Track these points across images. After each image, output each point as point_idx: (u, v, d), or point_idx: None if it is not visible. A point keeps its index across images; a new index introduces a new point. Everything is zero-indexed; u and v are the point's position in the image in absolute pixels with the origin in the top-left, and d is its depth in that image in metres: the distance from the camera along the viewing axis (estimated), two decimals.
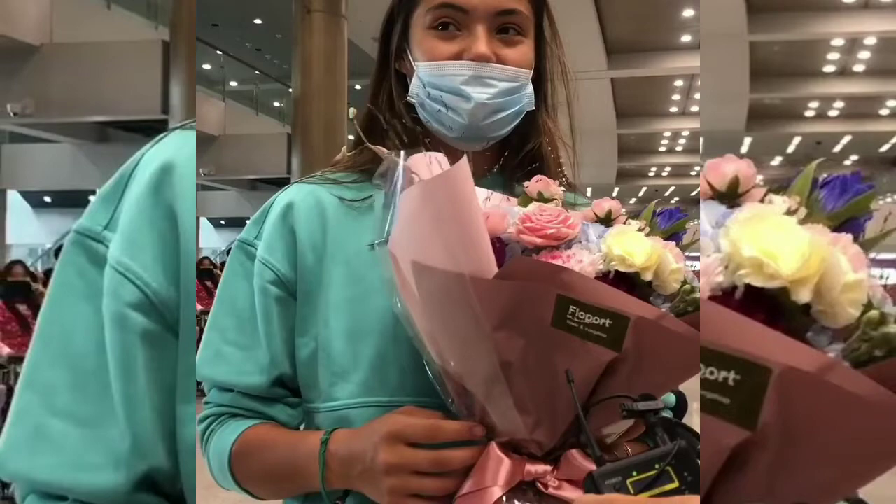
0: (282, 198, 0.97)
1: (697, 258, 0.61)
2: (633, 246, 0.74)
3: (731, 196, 0.62)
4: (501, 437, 0.78)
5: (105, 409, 0.65)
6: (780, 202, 0.59)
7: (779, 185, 0.62)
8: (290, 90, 9.66)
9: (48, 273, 7.16)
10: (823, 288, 0.53)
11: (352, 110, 1.00)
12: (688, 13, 13.55)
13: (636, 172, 25.68)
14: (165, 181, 0.68)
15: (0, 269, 7.34)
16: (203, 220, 19.50)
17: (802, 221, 0.57)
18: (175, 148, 0.70)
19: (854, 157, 22.92)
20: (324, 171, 1.01)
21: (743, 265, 0.54)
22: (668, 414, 0.63)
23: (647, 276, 0.73)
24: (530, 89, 0.95)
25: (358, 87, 10.66)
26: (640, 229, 0.77)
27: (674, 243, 0.76)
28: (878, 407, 0.46)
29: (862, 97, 17.92)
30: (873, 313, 0.53)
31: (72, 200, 16.08)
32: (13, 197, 15.85)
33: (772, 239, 0.54)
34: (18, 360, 5.33)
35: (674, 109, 19.38)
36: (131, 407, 0.65)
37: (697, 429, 0.55)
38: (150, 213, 0.67)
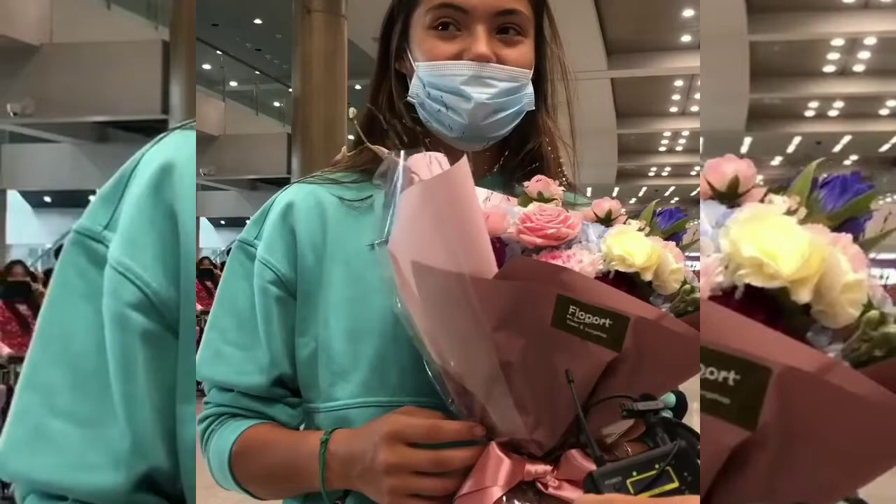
0: (282, 198, 0.97)
1: (697, 258, 0.61)
2: (633, 246, 0.74)
3: (731, 196, 0.62)
4: (501, 437, 0.78)
5: (105, 409, 0.65)
6: (780, 202, 0.59)
7: (779, 185, 0.62)
8: (290, 90, 9.66)
9: (48, 273, 7.16)
10: (823, 288, 0.53)
11: (352, 110, 1.00)
12: (688, 13, 13.54)
13: (636, 172, 25.67)
14: (165, 181, 0.68)
15: (0, 269, 7.34)
16: (203, 220, 19.50)
17: (802, 221, 0.56)
18: (175, 148, 0.70)
19: (854, 157, 22.91)
20: (324, 171, 1.01)
21: (743, 265, 0.54)
22: (668, 414, 0.63)
23: (647, 276, 0.73)
24: (530, 89, 0.95)
25: (358, 87, 10.65)
26: (640, 229, 0.77)
27: (674, 243, 0.76)
28: (878, 407, 0.46)
29: (862, 97, 17.92)
30: (873, 313, 0.53)
31: (72, 200, 16.08)
32: (13, 197, 15.86)
33: (772, 239, 0.54)
34: (18, 360, 5.33)
35: (674, 109, 19.37)
36: (131, 407, 0.65)
37: (697, 429, 0.55)
38: (150, 213, 0.67)
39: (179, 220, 0.67)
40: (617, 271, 0.74)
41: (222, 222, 21.56)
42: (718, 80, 14.97)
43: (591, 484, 0.58)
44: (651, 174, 26.18)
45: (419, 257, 0.78)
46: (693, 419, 0.68)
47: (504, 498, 0.76)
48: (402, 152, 0.84)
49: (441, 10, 0.91)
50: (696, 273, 0.68)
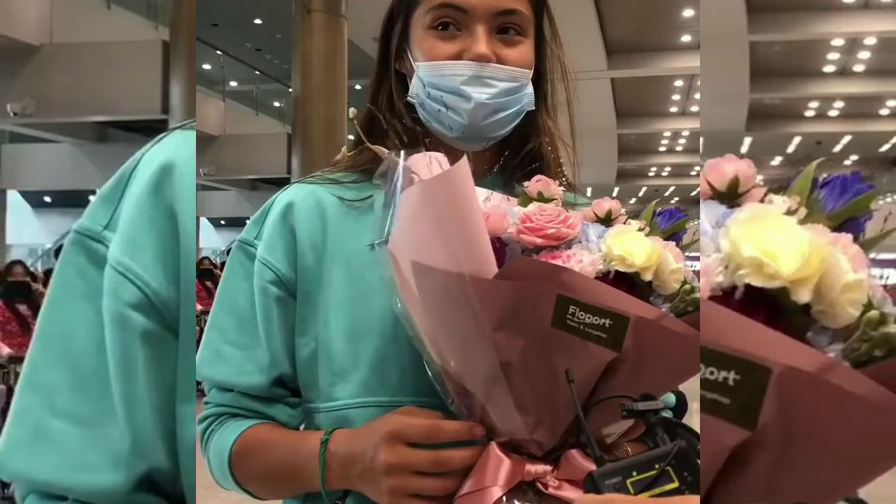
0: (282, 198, 0.97)
1: (697, 258, 0.61)
2: (633, 246, 0.74)
3: (731, 196, 0.62)
4: (501, 437, 0.78)
5: (105, 409, 0.65)
6: (780, 202, 0.59)
7: (779, 185, 0.62)
8: (290, 90, 9.66)
9: (48, 273, 7.16)
10: (823, 288, 0.53)
11: (352, 110, 1.00)
12: (688, 13, 13.54)
13: (636, 172, 25.67)
14: (165, 181, 0.68)
15: (0, 269, 7.34)
16: (203, 220, 19.50)
17: (802, 221, 0.57)
18: (175, 148, 0.70)
19: (854, 157, 22.91)
20: (324, 171, 1.01)
21: (743, 265, 0.54)
22: (668, 414, 0.63)
23: (647, 276, 0.73)
24: (530, 89, 0.95)
25: (358, 87, 10.65)
26: (640, 229, 0.77)
27: (674, 243, 0.76)
28: (878, 407, 0.46)
29: (862, 97, 17.91)
30: (873, 313, 0.53)
31: (72, 200, 16.09)
32: (13, 197, 15.86)
33: (772, 239, 0.54)
34: (18, 360, 5.33)
35: (674, 109, 19.37)
36: (131, 407, 0.65)
37: (697, 429, 0.55)
38: (150, 213, 0.67)
39: (179, 220, 0.67)
40: (617, 271, 0.74)
41: (222, 222, 21.57)
42: (718, 80, 14.97)
43: (591, 484, 0.58)
44: (651, 174, 26.18)
45: (419, 257, 0.78)
46: (693, 419, 0.68)
47: (504, 498, 0.76)
48: (402, 152, 0.84)
49: (441, 10, 0.91)
50: (696, 273, 0.68)
